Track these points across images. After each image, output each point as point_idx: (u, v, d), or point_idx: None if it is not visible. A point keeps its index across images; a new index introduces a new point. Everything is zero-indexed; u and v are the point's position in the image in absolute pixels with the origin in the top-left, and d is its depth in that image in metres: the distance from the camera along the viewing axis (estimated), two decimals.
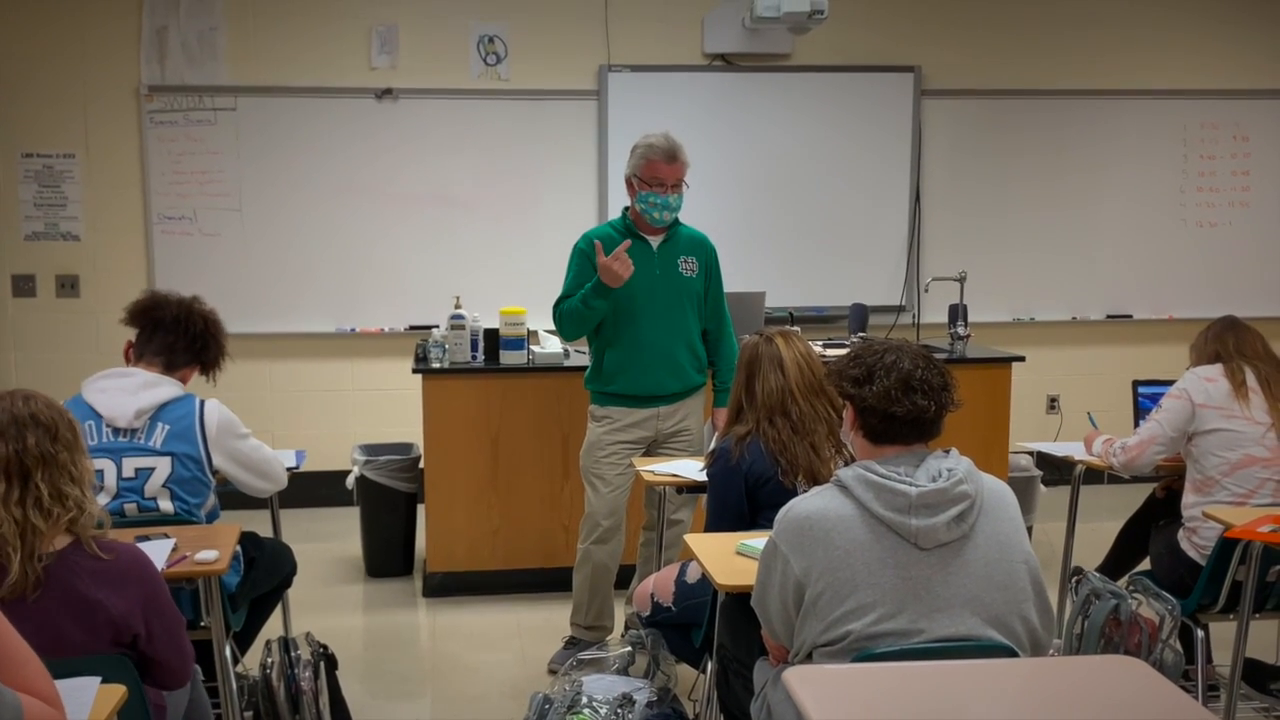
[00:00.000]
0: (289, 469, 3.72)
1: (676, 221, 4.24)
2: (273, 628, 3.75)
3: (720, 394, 4.36)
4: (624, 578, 4.63)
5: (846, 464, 2.41)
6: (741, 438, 3.29)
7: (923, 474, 2.31)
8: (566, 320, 4.18)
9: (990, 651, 2.24)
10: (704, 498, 3.69)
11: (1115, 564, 4.24)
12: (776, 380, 3.28)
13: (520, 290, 6.01)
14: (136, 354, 3.43)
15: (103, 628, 2.28)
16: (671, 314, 4.20)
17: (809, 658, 2.35)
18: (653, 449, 4.29)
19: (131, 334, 3.49)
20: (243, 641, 3.57)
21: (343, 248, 6.32)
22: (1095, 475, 4.28)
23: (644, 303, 4.14)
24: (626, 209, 4.25)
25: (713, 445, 4.32)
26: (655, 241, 4.20)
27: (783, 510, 2.40)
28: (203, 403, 3.34)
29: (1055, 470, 5.83)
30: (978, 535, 2.30)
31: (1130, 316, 6.97)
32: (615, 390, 4.22)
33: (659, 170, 4.09)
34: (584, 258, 4.15)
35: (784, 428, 3.25)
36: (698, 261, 4.25)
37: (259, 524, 3.83)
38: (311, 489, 5.95)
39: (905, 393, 2.37)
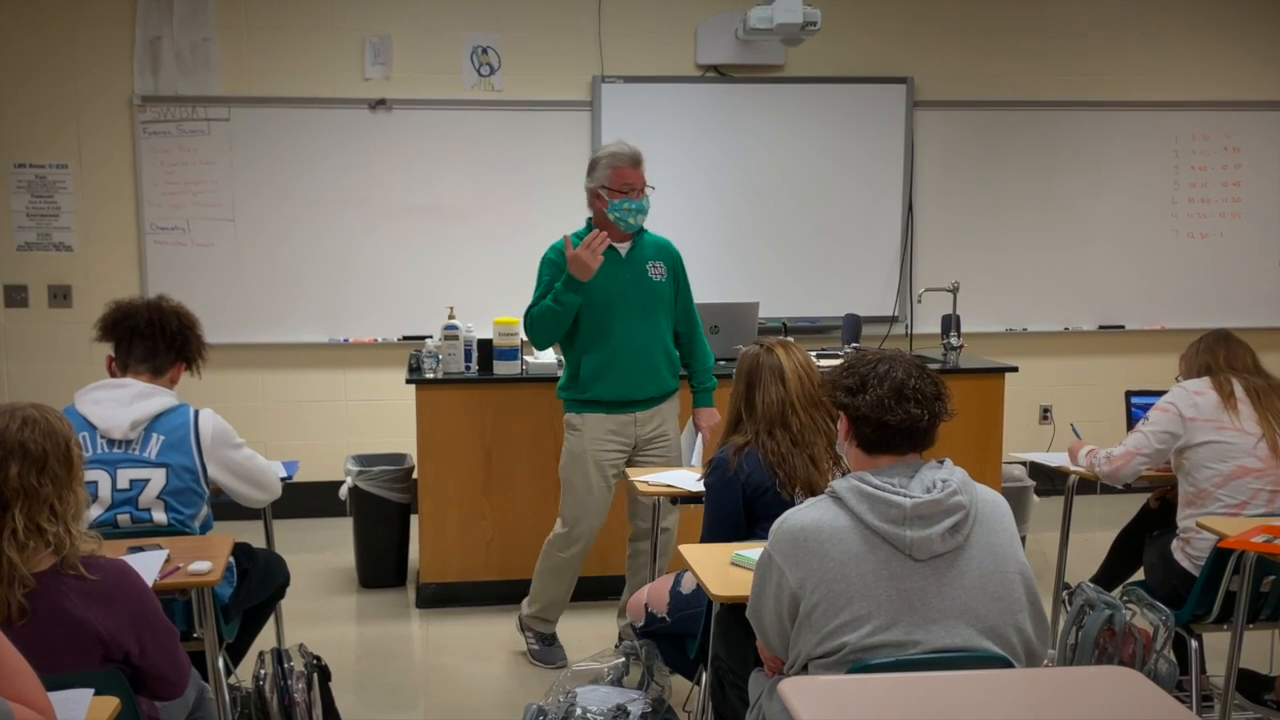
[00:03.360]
0: (281, 479, 3.71)
1: (641, 229, 4.28)
2: (266, 639, 3.74)
3: (699, 394, 4.43)
4: (614, 588, 4.63)
5: (844, 476, 2.41)
6: (739, 448, 3.28)
7: (917, 485, 2.31)
8: (539, 323, 4.22)
9: (985, 662, 2.24)
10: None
11: (1109, 574, 4.24)
12: (777, 392, 3.28)
13: (513, 301, 5.95)
14: (120, 366, 3.40)
15: (92, 646, 2.26)
16: (646, 318, 4.25)
17: (804, 669, 2.34)
18: (632, 457, 4.32)
19: (109, 348, 3.47)
20: (236, 653, 3.56)
21: (336, 258, 6.32)
22: (1088, 485, 4.29)
23: (619, 308, 4.18)
24: (589, 220, 4.29)
25: (696, 448, 4.37)
26: (623, 249, 4.25)
27: (777, 522, 2.40)
28: (197, 413, 3.33)
29: (1048, 480, 5.84)
30: (972, 546, 2.30)
31: (1122, 327, 6.99)
32: (592, 397, 4.25)
33: (628, 176, 4.16)
34: (553, 267, 4.21)
35: (784, 440, 3.24)
36: (665, 266, 4.31)
37: (252, 535, 3.82)
38: (304, 500, 5.94)
39: (899, 401, 2.37)
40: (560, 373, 5.03)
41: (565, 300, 4.09)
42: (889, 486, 2.30)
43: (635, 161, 4.17)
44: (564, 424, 4.36)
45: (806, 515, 2.36)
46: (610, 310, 4.17)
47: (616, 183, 4.15)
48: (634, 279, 4.22)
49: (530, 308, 4.24)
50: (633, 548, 4.48)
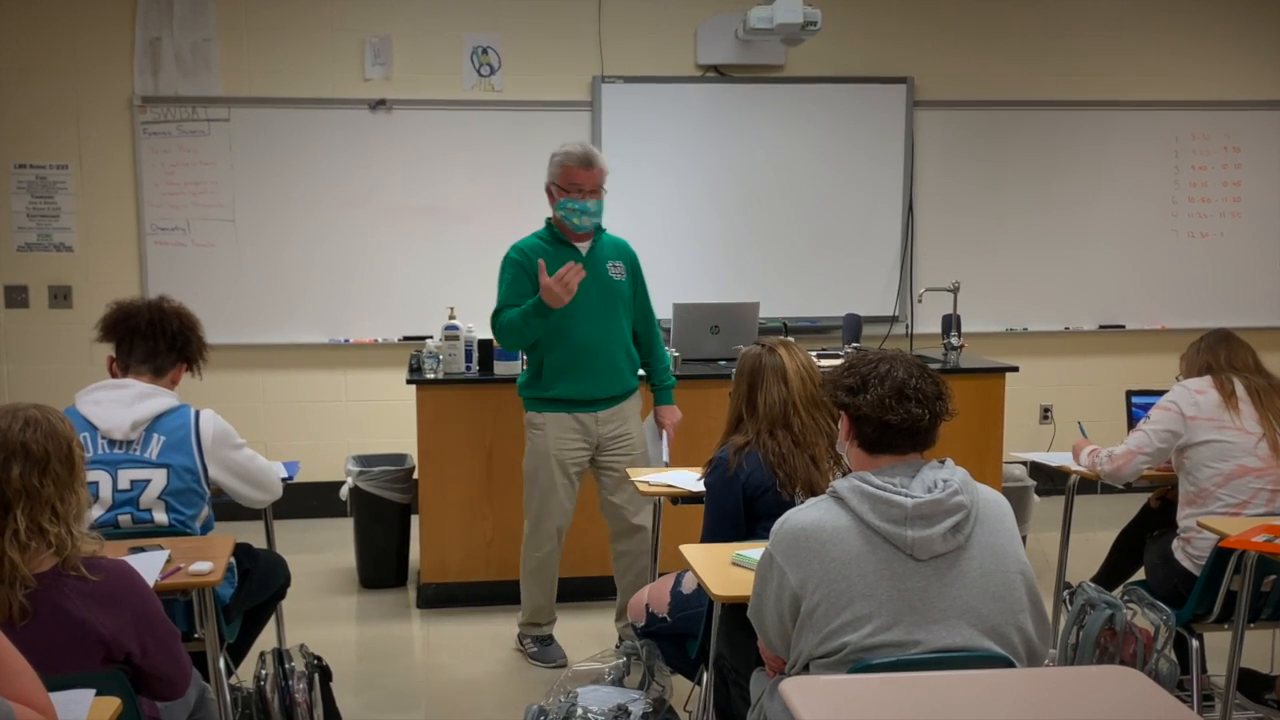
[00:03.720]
0: (282, 480, 3.71)
1: (600, 229, 4.29)
2: (267, 639, 3.74)
3: (660, 392, 4.47)
4: (610, 589, 4.62)
5: (845, 476, 2.41)
6: (740, 448, 3.28)
7: (918, 485, 2.31)
8: (506, 333, 4.22)
9: (986, 662, 2.24)
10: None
11: (1110, 574, 4.24)
12: (779, 392, 3.27)
13: None
14: (121, 366, 3.40)
15: (94, 647, 2.25)
16: (607, 317, 4.27)
17: (805, 669, 2.34)
18: (595, 457, 4.34)
19: (110, 348, 3.47)
20: (237, 653, 3.55)
21: (336, 258, 6.32)
22: (1089, 485, 4.29)
23: (581, 308, 4.18)
24: (549, 219, 4.31)
25: (663, 445, 4.39)
26: (583, 248, 4.26)
27: (778, 522, 2.40)
28: (198, 413, 3.33)
29: (1049, 480, 5.84)
30: (973, 546, 2.30)
31: (1123, 327, 6.99)
32: (555, 395, 4.26)
33: (575, 176, 4.17)
34: (517, 267, 4.22)
35: (785, 440, 3.24)
36: (624, 265, 4.33)
37: (253, 535, 3.82)
38: (305, 500, 5.94)
39: (899, 401, 2.37)
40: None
41: (534, 323, 4.09)
42: (890, 486, 2.30)
43: (586, 162, 4.17)
44: (525, 422, 4.36)
45: (807, 515, 2.36)
46: (572, 309, 4.15)
47: (564, 180, 4.18)
48: (595, 278, 4.22)
49: (497, 312, 4.23)
50: (614, 550, 4.49)
